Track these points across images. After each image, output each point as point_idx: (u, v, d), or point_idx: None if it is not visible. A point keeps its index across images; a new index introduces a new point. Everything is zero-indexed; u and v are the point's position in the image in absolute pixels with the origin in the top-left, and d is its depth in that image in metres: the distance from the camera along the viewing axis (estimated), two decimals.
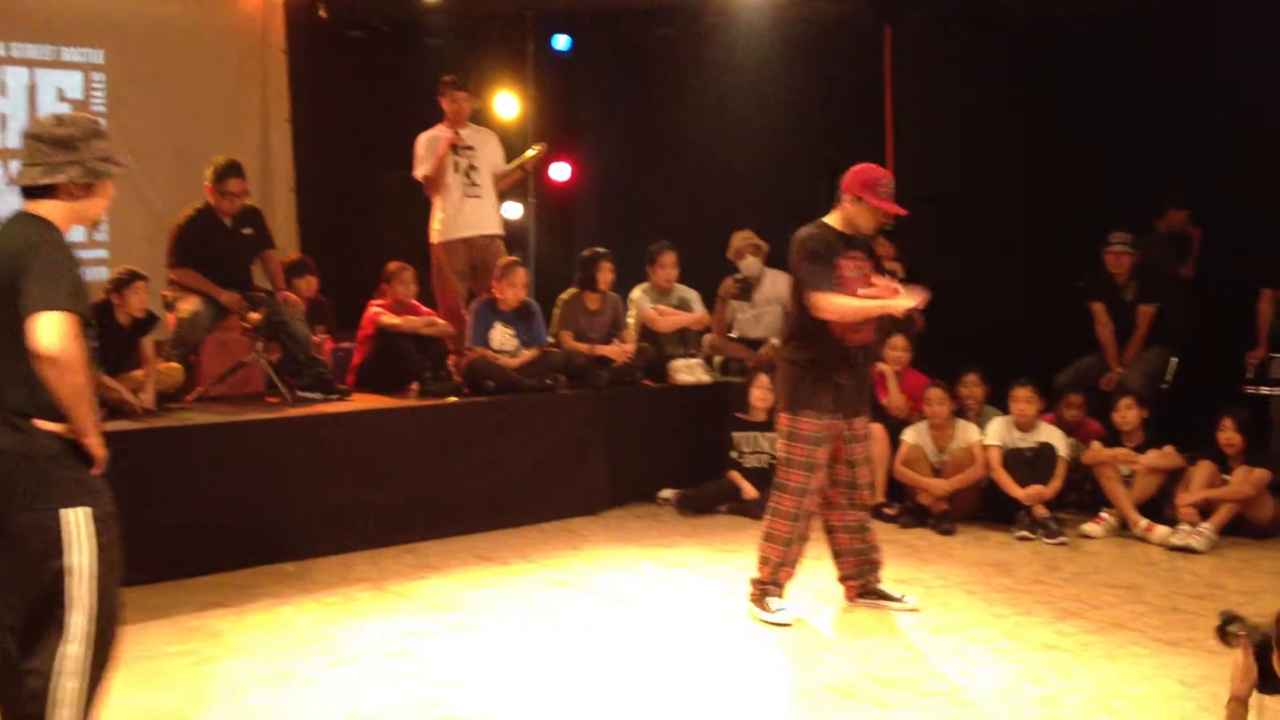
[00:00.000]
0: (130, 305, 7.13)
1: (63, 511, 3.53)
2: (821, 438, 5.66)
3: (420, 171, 8.69)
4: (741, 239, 9.26)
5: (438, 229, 8.75)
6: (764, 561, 5.82)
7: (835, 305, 5.53)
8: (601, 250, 8.81)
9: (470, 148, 8.75)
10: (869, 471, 6.06)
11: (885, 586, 6.06)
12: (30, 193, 3.66)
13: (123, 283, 7.14)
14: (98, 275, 8.66)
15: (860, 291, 5.57)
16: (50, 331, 3.39)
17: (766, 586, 5.81)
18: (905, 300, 5.51)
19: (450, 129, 8.68)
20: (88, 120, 3.75)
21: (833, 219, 5.72)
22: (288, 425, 7.19)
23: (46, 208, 3.63)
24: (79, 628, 3.55)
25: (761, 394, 8.21)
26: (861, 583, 6.04)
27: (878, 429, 8.15)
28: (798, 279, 5.69)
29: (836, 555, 6.05)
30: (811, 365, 5.65)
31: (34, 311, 3.40)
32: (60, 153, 3.62)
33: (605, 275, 8.74)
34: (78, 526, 3.55)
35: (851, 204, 5.65)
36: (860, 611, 5.98)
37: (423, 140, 8.71)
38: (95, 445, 3.60)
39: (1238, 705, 3.72)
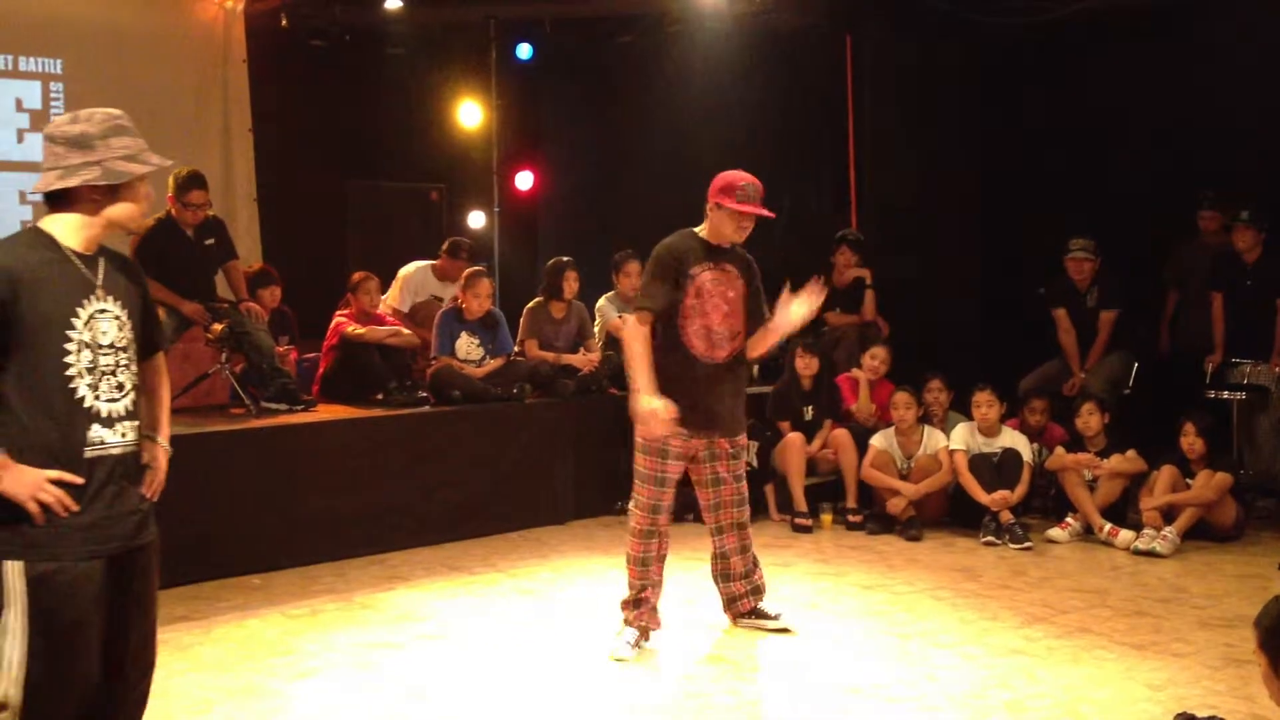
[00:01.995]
0: None
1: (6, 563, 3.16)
2: (669, 451, 5.36)
3: (400, 305, 9.11)
4: None
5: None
6: (628, 584, 5.57)
7: (631, 338, 5.30)
8: (566, 259, 8.81)
9: (440, 299, 9.17)
10: (740, 489, 5.62)
11: (763, 605, 5.82)
12: (51, 201, 3.30)
13: None
14: None
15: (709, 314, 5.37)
16: None
17: (627, 610, 5.57)
18: (650, 412, 5.17)
19: (439, 279, 9.07)
20: (107, 115, 3.35)
21: (701, 228, 5.50)
22: (252, 436, 7.14)
23: (62, 219, 3.29)
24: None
25: None
26: (735, 607, 5.83)
27: (843, 434, 8.20)
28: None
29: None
30: (660, 375, 5.31)
31: None
32: (76, 153, 3.25)
33: (570, 284, 8.73)
34: (12, 581, 3.15)
35: (713, 211, 5.43)
36: (825, 620, 6.00)
37: (411, 281, 9.20)
38: (20, 495, 3.17)
39: None
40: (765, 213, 5.45)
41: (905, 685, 5.04)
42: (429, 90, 11.60)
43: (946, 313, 9.84)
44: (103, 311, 3.31)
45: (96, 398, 3.28)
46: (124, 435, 3.35)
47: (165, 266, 7.56)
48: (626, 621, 5.56)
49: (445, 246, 9.29)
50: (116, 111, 3.39)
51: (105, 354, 3.30)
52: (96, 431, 3.27)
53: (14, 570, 3.14)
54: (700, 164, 10.70)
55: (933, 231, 10.05)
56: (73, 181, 3.23)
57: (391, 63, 11.36)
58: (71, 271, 3.28)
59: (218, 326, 7.53)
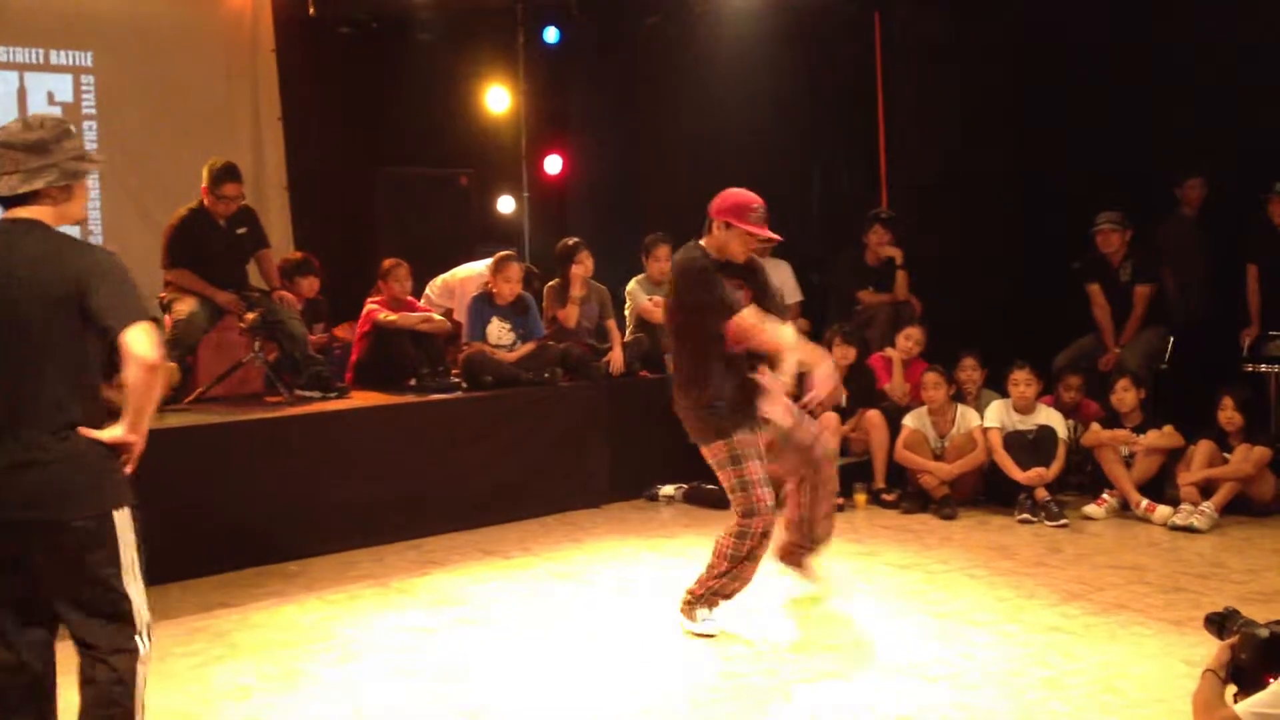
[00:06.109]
0: None
1: (115, 513, 3.59)
2: (757, 452, 5.39)
3: (449, 308, 8.97)
4: None
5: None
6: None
7: (746, 323, 5.27)
8: (574, 241, 8.80)
9: None
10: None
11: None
12: (10, 202, 3.61)
13: None
14: None
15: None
16: (151, 340, 3.48)
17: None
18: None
19: (491, 289, 8.47)
20: (56, 121, 3.68)
21: (705, 243, 5.47)
22: (287, 424, 7.19)
23: (33, 215, 3.61)
24: (140, 619, 3.64)
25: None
26: None
27: (876, 415, 8.17)
28: (696, 308, 5.39)
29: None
30: (730, 399, 5.39)
31: (131, 321, 3.47)
32: (34, 158, 3.56)
33: (584, 264, 8.71)
34: (124, 526, 3.61)
35: (721, 230, 5.40)
36: (860, 599, 5.99)
37: (467, 289, 8.83)
38: (141, 445, 3.64)
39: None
40: (774, 236, 5.54)
41: (942, 664, 5.03)
42: (457, 76, 11.60)
43: (980, 290, 9.77)
44: None
45: None
46: None
47: (198, 256, 7.61)
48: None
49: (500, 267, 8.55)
50: (60, 117, 3.77)
51: None
52: None
53: (127, 515, 3.64)
54: (729, 144, 10.78)
55: (966, 209, 9.95)
56: (38, 184, 3.57)
57: (419, 49, 11.35)
58: None
59: (251, 315, 7.57)
